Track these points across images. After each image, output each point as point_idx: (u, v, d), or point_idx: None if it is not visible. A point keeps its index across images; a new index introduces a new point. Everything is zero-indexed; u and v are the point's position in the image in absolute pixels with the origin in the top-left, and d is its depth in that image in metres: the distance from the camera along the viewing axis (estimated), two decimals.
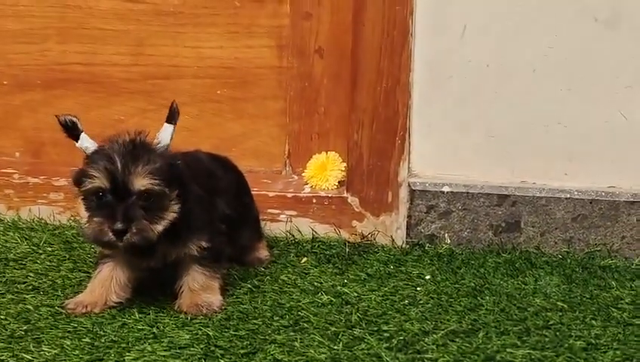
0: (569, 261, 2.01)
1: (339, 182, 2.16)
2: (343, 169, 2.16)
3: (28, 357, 1.56)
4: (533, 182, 2.09)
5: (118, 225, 1.60)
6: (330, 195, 2.14)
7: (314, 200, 2.13)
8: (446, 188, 2.09)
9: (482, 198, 2.07)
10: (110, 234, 1.61)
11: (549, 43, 2.03)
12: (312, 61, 2.20)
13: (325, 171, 2.16)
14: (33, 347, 1.59)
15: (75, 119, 1.67)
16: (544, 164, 2.08)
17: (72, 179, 1.67)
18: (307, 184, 2.18)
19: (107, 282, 1.76)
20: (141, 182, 1.62)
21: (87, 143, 1.67)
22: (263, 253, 1.99)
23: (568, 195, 2.05)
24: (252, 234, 1.96)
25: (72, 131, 1.66)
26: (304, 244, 2.08)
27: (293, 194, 2.15)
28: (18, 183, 2.19)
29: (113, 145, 1.65)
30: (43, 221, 2.15)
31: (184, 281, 1.76)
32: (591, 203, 2.05)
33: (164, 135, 1.70)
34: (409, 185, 2.09)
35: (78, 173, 1.66)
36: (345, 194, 2.13)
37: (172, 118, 1.72)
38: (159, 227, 1.64)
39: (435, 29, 2.05)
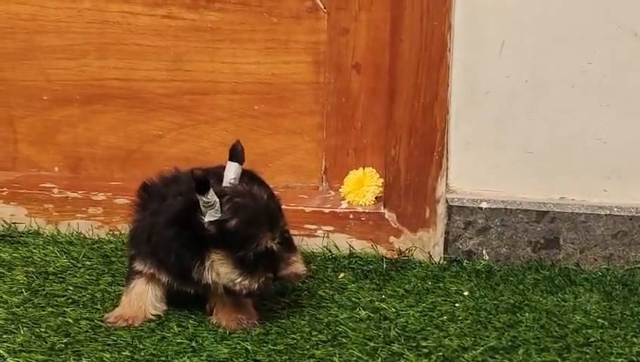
0: (609, 278, 1.99)
1: (376, 197, 2.16)
2: (380, 185, 2.16)
3: None
4: (572, 198, 2.07)
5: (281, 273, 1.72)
6: (367, 211, 2.13)
7: (351, 216, 2.13)
8: (484, 205, 2.08)
9: (521, 214, 2.06)
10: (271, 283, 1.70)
11: (588, 59, 2.02)
12: (349, 76, 2.20)
13: (362, 187, 2.16)
14: (73, 360, 1.60)
15: (205, 174, 1.65)
16: (583, 181, 2.07)
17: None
18: (344, 200, 2.17)
19: (144, 295, 1.77)
20: (285, 227, 1.75)
21: (215, 197, 1.65)
22: (300, 267, 1.97)
23: (608, 212, 2.04)
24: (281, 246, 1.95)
25: (203, 187, 1.64)
26: (341, 260, 2.08)
27: (330, 210, 2.15)
28: (57, 197, 2.21)
29: (249, 200, 1.68)
30: (82, 235, 2.17)
31: (217, 298, 1.76)
32: (631, 219, 2.03)
33: (235, 174, 1.72)
34: (447, 201, 2.09)
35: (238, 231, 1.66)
36: (382, 210, 2.12)
37: (237, 157, 1.73)
38: None
39: (472, 44, 2.05)
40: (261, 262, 1.68)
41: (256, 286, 1.68)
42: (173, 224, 1.70)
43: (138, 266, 1.77)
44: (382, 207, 2.13)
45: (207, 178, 1.64)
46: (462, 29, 2.04)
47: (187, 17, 2.23)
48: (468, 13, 2.03)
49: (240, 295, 1.70)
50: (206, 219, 1.66)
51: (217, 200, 1.65)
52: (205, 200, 1.64)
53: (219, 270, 1.68)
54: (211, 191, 1.64)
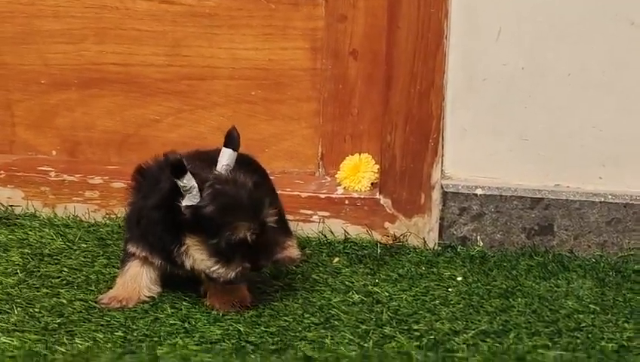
0: (602, 264, 2.00)
1: (372, 183, 2.17)
2: (376, 171, 2.16)
3: (61, 349, 1.58)
4: (567, 185, 2.08)
5: (262, 265, 1.71)
6: (362, 197, 2.14)
7: (346, 202, 2.14)
8: (479, 191, 2.08)
9: (515, 201, 2.06)
10: (251, 273, 1.70)
11: (586, 46, 2.02)
12: (346, 63, 2.21)
13: (358, 173, 2.17)
14: (66, 339, 1.61)
15: (181, 158, 1.65)
16: (578, 168, 2.07)
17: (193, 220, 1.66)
18: (340, 185, 2.18)
19: (139, 277, 1.78)
20: (271, 219, 1.71)
21: (192, 182, 1.65)
22: (294, 251, 1.99)
23: (602, 199, 2.04)
24: (276, 230, 1.95)
25: (179, 171, 1.64)
26: (336, 245, 2.08)
27: (325, 196, 2.15)
28: (54, 181, 2.21)
29: (231, 187, 1.67)
30: (78, 218, 2.18)
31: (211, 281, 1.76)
32: (625, 207, 2.03)
33: (229, 160, 1.72)
34: (442, 188, 2.09)
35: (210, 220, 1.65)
36: (377, 196, 2.13)
37: (232, 143, 1.73)
38: None
39: (469, 31, 2.05)
40: (238, 252, 1.66)
41: (233, 275, 1.67)
42: (160, 208, 1.70)
43: (131, 249, 1.78)
44: (377, 193, 2.13)
45: (183, 162, 1.64)
46: (459, 16, 2.04)
47: (185, 3, 2.23)
48: (465, 0, 2.03)
49: (218, 283, 1.70)
50: (183, 204, 1.66)
51: (195, 185, 1.65)
52: (182, 184, 1.65)
53: (194, 256, 1.68)
54: (188, 176, 1.64)
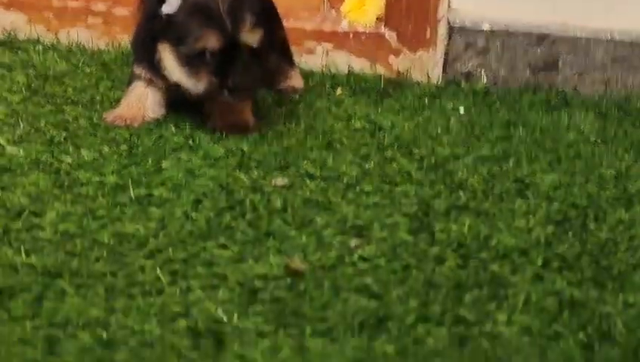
0: (605, 101, 2.00)
1: (377, 18, 2.14)
2: (382, 4, 2.14)
3: (67, 159, 1.60)
4: (573, 22, 2.06)
5: (232, 83, 1.66)
6: (367, 31, 2.12)
7: (351, 35, 2.12)
8: (485, 26, 2.06)
9: (521, 37, 2.05)
10: (224, 91, 1.66)
11: None
12: None
13: (364, 6, 2.14)
14: (72, 151, 1.63)
15: None
16: (586, 5, 2.05)
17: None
18: (345, 18, 2.16)
19: (143, 98, 1.79)
20: (250, 38, 1.66)
21: None
22: (297, 81, 1.99)
23: (609, 36, 2.03)
24: (281, 59, 1.95)
25: None
26: (340, 78, 2.08)
27: (330, 29, 2.14)
28: (57, 6, 2.18)
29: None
30: (81, 44, 2.16)
31: (215, 102, 1.75)
32: (631, 45, 2.02)
33: None
34: (448, 22, 2.07)
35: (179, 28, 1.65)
36: (382, 30, 2.11)
37: None
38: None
39: None
40: (206, 64, 1.65)
41: (202, 88, 1.67)
42: (150, 19, 1.70)
43: (137, 70, 1.78)
44: (382, 27, 2.12)
45: None
46: None
47: None
48: None
49: (191, 97, 1.70)
50: (163, 11, 1.66)
51: None
52: None
53: (166, 65, 1.69)
54: None
